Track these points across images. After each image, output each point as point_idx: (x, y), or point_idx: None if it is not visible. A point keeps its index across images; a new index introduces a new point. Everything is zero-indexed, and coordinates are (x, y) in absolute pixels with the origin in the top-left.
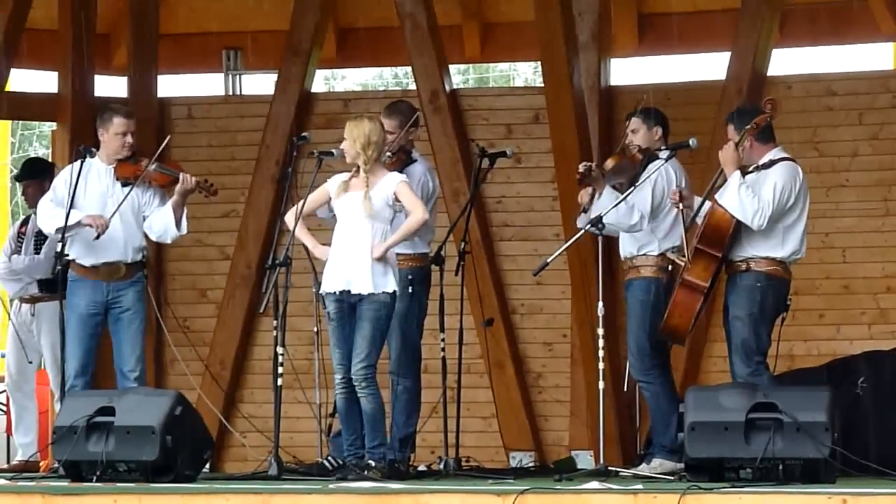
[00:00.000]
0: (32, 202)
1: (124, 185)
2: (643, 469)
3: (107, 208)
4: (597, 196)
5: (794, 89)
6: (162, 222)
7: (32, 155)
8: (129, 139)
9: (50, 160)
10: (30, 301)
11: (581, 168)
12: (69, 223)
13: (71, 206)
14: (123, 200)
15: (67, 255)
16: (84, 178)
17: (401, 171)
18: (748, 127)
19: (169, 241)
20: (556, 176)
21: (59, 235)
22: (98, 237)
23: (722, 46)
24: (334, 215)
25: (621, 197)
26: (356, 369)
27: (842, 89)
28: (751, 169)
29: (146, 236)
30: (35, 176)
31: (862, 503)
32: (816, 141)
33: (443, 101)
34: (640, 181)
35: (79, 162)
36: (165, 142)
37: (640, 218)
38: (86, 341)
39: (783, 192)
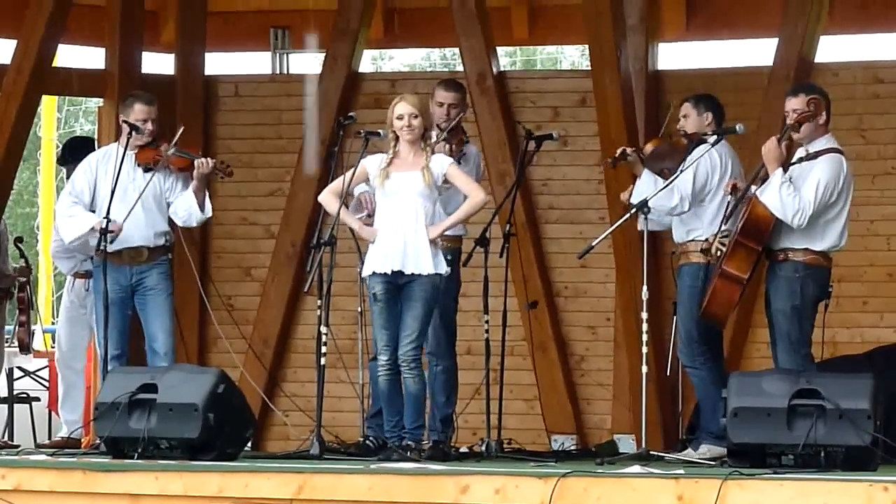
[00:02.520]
0: None
1: (145, 170)
2: (688, 454)
3: (128, 194)
4: (638, 180)
5: (840, 76)
6: (185, 207)
7: (78, 131)
8: (149, 126)
9: (94, 137)
10: (84, 276)
11: (617, 152)
12: (82, 231)
13: (93, 198)
14: (146, 187)
15: (112, 232)
16: (105, 165)
17: (461, 151)
18: (790, 124)
19: (195, 225)
20: (602, 159)
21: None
22: (112, 241)
23: (770, 32)
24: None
25: (668, 181)
26: (405, 350)
27: (889, 77)
28: (794, 160)
29: (171, 222)
30: (78, 158)
31: None
32: (863, 128)
33: (490, 83)
34: (685, 165)
35: (96, 153)
36: (180, 131)
37: (679, 200)
38: (117, 324)
39: (826, 190)
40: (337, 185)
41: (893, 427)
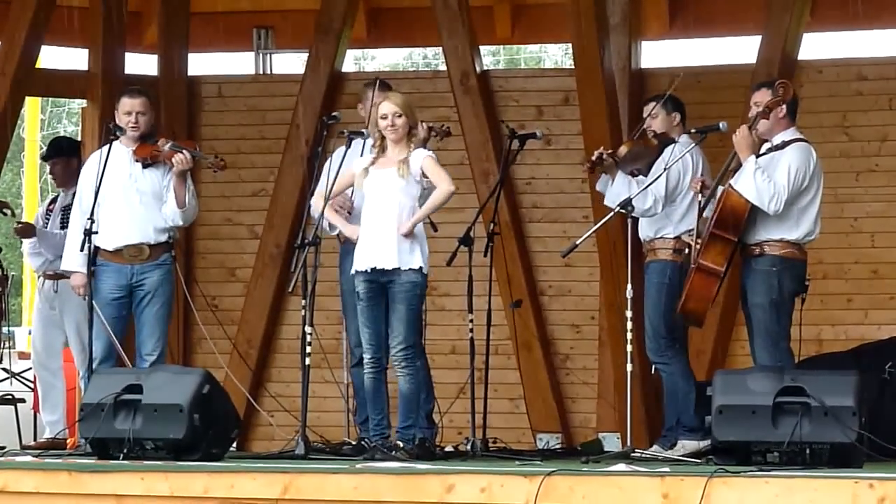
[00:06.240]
0: (60, 181)
1: (144, 166)
2: (655, 451)
3: (126, 190)
4: (609, 182)
5: (824, 73)
6: (170, 205)
7: (62, 132)
8: (132, 118)
9: (77, 138)
10: (53, 278)
11: (594, 156)
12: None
13: (95, 199)
14: (131, 181)
15: (96, 233)
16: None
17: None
18: (759, 111)
19: (181, 224)
20: (586, 158)
21: (87, 215)
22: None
23: (753, 30)
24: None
25: (647, 183)
26: (395, 351)
27: (872, 74)
28: (763, 150)
29: None
30: (61, 154)
31: (889, 488)
32: (846, 125)
33: (473, 83)
34: (663, 166)
35: (97, 156)
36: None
37: (653, 202)
38: (111, 325)
39: (797, 174)
40: (324, 188)
41: (879, 424)
